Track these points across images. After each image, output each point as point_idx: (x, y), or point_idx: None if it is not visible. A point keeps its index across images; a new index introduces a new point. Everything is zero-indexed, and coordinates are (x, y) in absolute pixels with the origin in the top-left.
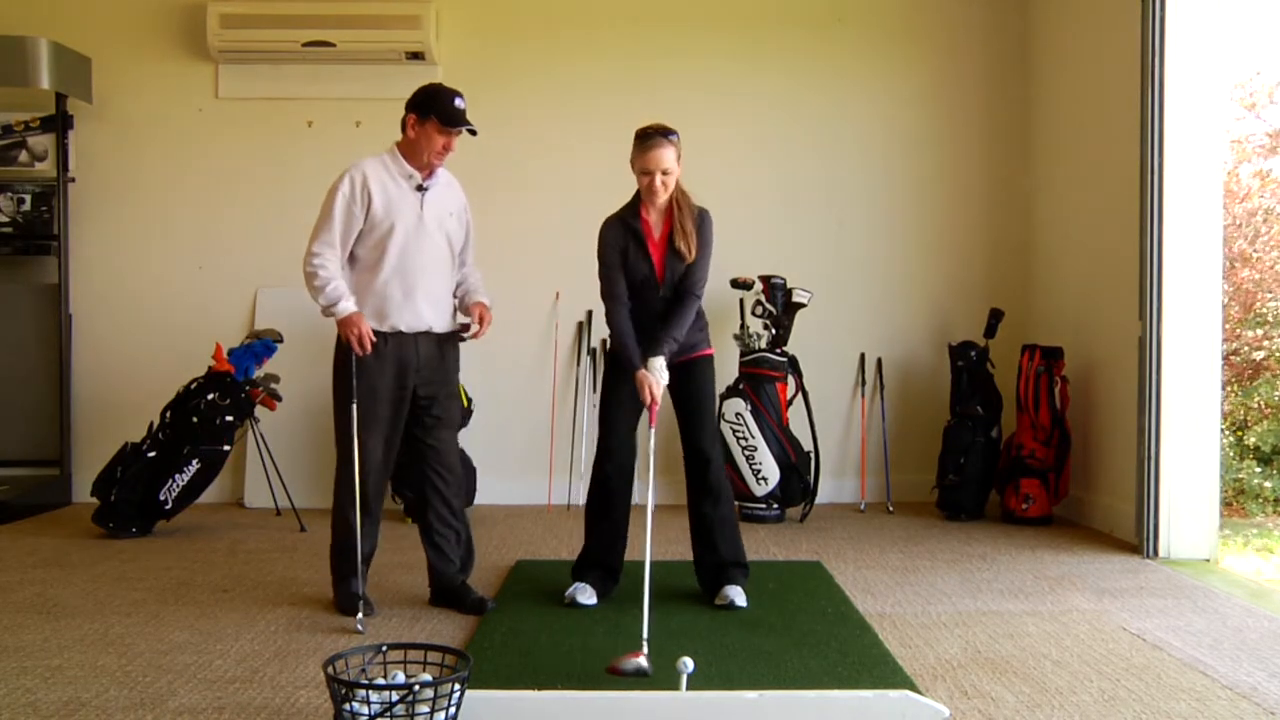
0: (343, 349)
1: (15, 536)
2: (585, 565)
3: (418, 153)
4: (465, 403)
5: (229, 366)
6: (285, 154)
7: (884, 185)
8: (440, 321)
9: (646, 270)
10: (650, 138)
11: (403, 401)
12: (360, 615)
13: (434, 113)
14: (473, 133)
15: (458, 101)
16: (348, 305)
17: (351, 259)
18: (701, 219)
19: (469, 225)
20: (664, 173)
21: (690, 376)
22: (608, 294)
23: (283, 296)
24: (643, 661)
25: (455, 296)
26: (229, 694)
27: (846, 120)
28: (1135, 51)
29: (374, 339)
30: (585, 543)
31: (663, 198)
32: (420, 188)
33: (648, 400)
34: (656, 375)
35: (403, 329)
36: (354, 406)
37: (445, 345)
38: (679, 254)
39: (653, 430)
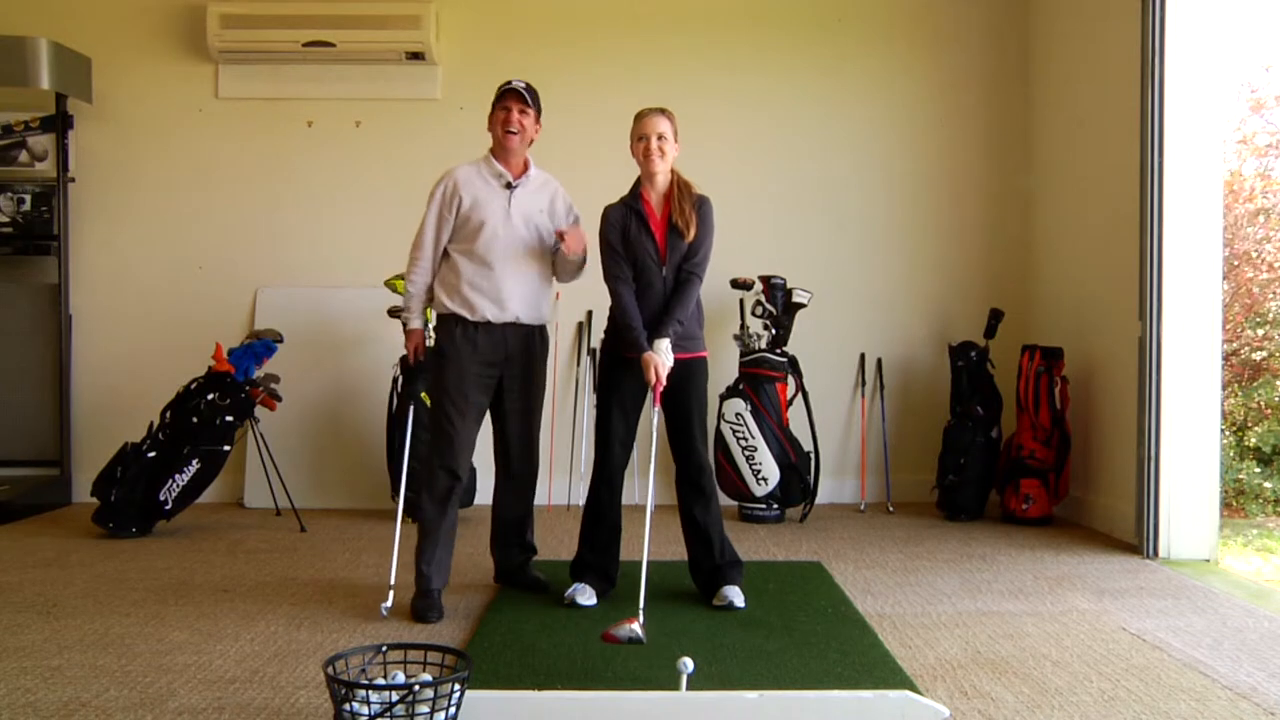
0: (434, 344)
1: (15, 536)
2: (581, 567)
3: (496, 140)
4: None
5: (229, 366)
6: (285, 154)
7: (884, 185)
8: (527, 313)
9: (650, 248)
10: (646, 111)
11: (488, 390)
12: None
13: (494, 100)
14: (527, 95)
15: (513, 82)
16: (413, 321)
17: (447, 254)
18: (701, 203)
19: (575, 217)
20: (659, 137)
21: (684, 378)
22: (610, 275)
23: (283, 296)
24: (637, 629)
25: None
26: (229, 694)
27: (847, 120)
28: (1135, 51)
29: (422, 359)
30: (580, 545)
31: (660, 166)
32: (509, 185)
33: (652, 380)
34: (662, 357)
35: (490, 319)
36: (446, 401)
37: (532, 338)
38: (679, 232)
39: (656, 409)
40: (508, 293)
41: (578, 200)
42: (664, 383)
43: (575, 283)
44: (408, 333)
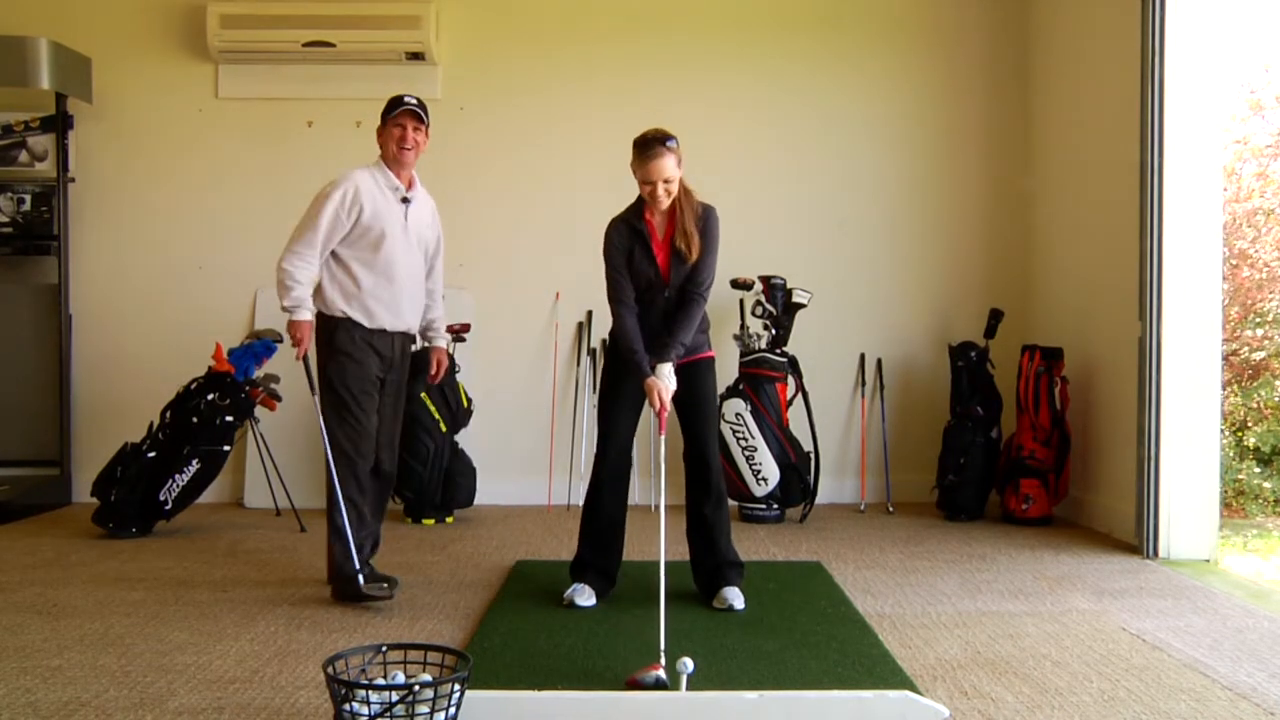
0: (326, 345)
1: (15, 536)
2: (581, 567)
3: (389, 154)
4: (465, 403)
5: (229, 366)
6: (285, 154)
7: (884, 185)
8: (415, 323)
9: (652, 273)
10: (650, 147)
11: (378, 392)
12: (385, 587)
13: (385, 114)
14: (420, 113)
15: (406, 98)
16: (305, 314)
17: (338, 258)
18: (706, 217)
19: (439, 235)
20: (665, 181)
21: (692, 379)
22: (614, 299)
23: None
24: (662, 674)
25: (427, 328)
26: (229, 694)
27: (846, 120)
28: (1135, 51)
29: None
30: (580, 545)
31: (666, 204)
32: (405, 199)
33: (657, 407)
34: (665, 382)
35: (387, 328)
36: (325, 396)
37: (409, 345)
38: (681, 255)
39: (663, 438)
40: (404, 304)
41: (577, 202)
42: (668, 408)
43: (576, 283)
44: (298, 324)
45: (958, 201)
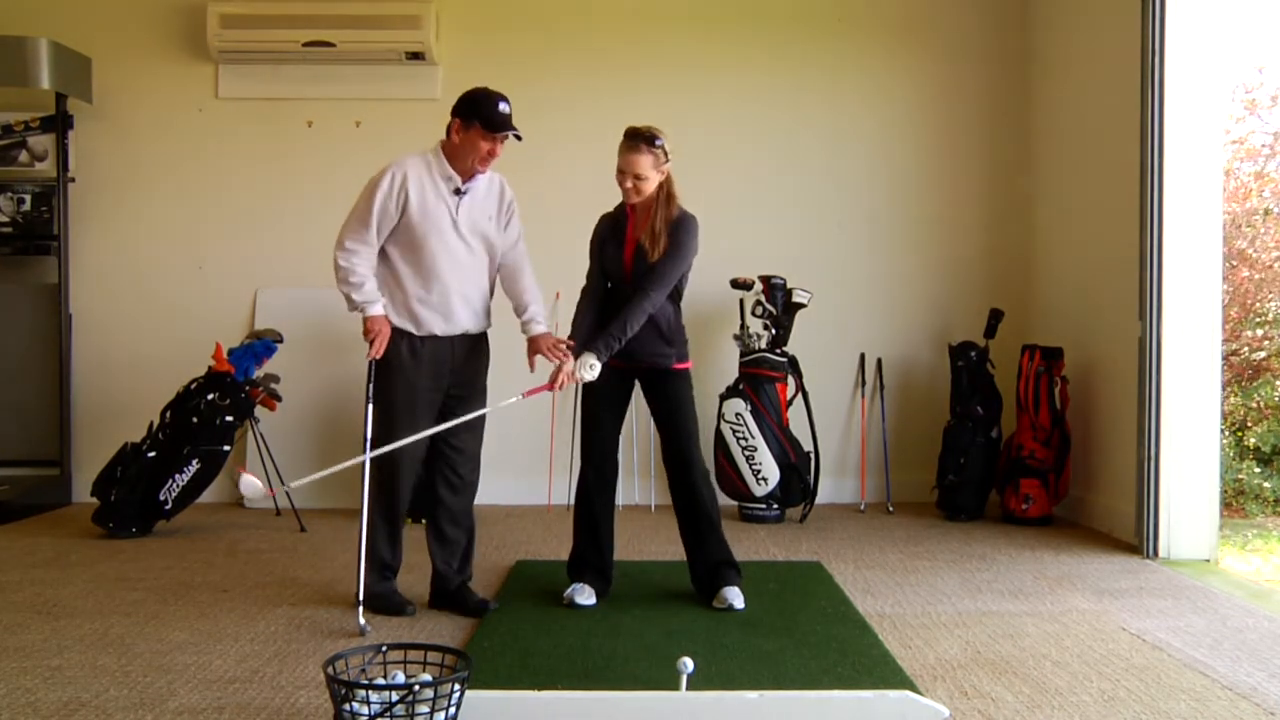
0: (379, 361)
1: (15, 536)
2: (579, 566)
3: (462, 157)
4: None
5: (229, 366)
6: (285, 154)
7: (884, 185)
8: (475, 323)
9: (616, 263)
10: (633, 139)
11: (435, 403)
12: (364, 621)
13: (478, 118)
14: (518, 137)
15: (502, 106)
16: (378, 308)
17: (385, 255)
18: (678, 223)
19: (511, 222)
20: (636, 177)
21: (662, 389)
22: (585, 285)
23: (283, 296)
24: (258, 488)
25: (521, 320)
26: (229, 694)
27: (846, 120)
28: (1135, 51)
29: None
30: (575, 544)
31: (634, 200)
32: (458, 191)
33: (550, 379)
34: (577, 367)
35: (438, 333)
36: (374, 408)
37: (478, 344)
38: (644, 252)
39: (519, 398)
40: (455, 306)
41: (575, 203)
42: (553, 389)
43: (575, 283)
44: (373, 319)
45: (958, 201)
